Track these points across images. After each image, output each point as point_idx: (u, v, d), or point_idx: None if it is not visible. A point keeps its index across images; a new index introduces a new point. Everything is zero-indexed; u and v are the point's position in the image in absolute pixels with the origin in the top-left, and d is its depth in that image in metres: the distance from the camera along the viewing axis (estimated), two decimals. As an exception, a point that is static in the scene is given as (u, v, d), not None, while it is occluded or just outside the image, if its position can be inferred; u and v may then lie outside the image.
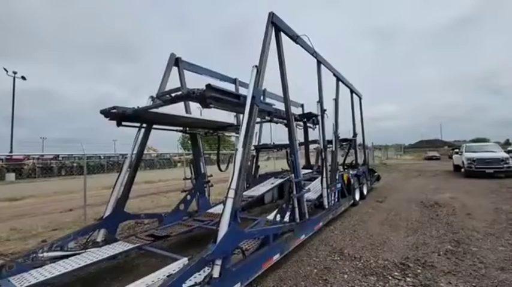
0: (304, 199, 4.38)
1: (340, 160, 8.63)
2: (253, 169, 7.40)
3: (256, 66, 3.38)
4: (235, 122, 6.47)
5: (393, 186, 11.56)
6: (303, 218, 4.26)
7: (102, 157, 32.67)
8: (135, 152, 4.35)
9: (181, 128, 5.17)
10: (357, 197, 7.66)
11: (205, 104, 2.90)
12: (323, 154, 5.35)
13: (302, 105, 9.39)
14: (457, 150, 17.21)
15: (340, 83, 6.92)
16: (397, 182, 12.86)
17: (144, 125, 4.49)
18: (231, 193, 2.74)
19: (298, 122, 5.27)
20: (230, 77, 6.72)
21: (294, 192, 4.06)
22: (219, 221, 2.66)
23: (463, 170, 14.22)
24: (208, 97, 2.83)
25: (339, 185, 6.22)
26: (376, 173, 10.89)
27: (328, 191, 5.45)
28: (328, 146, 6.31)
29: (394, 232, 5.14)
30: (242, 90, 5.89)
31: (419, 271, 3.45)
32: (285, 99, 4.10)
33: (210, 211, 5.46)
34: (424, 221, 5.82)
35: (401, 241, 4.62)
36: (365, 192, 8.58)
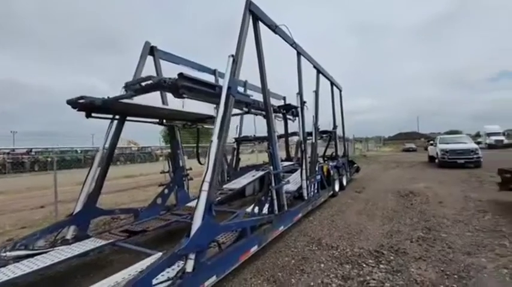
0: (283, 190, 4.39)
1: (320, 151, 8.75)
2: (234, 162, 7.34)
3: (232, 55, 3.28)
4: (215, 114, 6.35)
5: (372, 177, 11.92)
6: (282, 210, 4.28)
7: (80, 151, 31.36)
8: (107, 145, 4.14)
9: (157, 120, 4.99)
10: (337, 188, 7.81)
11: (177, 94, 2.77)
12: (302, 145, 5.37)
13: (284, 98, 9.37)
14: (431, 142, 17.97)
15: (321, 75, 6.93)
16: (375, 173, 13.27)
17: (117, 116, 4.28)
18: (205, 186, 2.66)
19: (278, 114, 5.23)
20: (209, 68, 6.55)
21: (273, 184, 4.05)
22: (192, 214, 2.58)
23: (437, 160, 14.88)
24: (181, 87, 2.71)
25: (318, 177, 6.30)
26: (355, 165, 11.16)
27: (308, 182, 5.49)
28: (308, 138, 6.35)
29: (371, 221, 5.29)
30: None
31: (392, 257, 3.56)
32: (263, 90, 4.03)
33: (189, 204, 5.35)
34: (399, 210, 6.04)
35: (377, 229, 4.76)
36: (345, 183, 8.77)
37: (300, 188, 5.44)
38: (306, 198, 5.36)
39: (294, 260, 3.60)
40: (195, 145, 10.44)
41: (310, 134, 6.29)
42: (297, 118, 5.50)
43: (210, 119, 5.46)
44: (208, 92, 3.09)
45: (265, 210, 4.14)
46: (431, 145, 17.38)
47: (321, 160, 8.41)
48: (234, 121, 8.08)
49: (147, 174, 16.00)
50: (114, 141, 4.24)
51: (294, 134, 6.47)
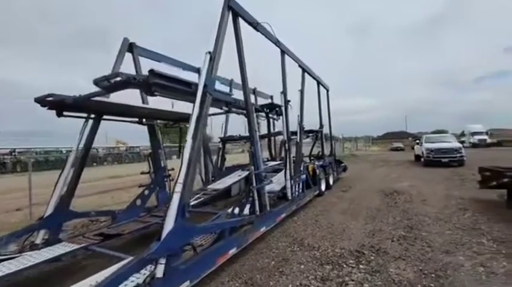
0: (265, 190, 4.32)
1: (306, 151, 8.75)
2: (219, 161, 7.23)
3: (209, 52, 3.18)
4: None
5: (359, 176, 12.01)
6: (264, 210, 4.21)
7: (65, 151, 30.49)
8: (81, 146, 3.98)
9: (136, 120, 4.83)
10: (323, 187, 7.81)
11: (150, 92, 2.66)
12: (286, 145, 5.32)
13: (271, 97, 9.32)
14: (417, 141, 18.30)
15: (306, 74, 6.91)
16: (363, 172, 13.40)
17: (93, 115, 4.11)
18: (178, 188, 2.56)
19: (261, 113, 5.16)
20: (193, 66, 6.42)
21: (254, 184, 3.97)
22: (164, 217, 2.48)
23: (422, 159, 15.15)
24: (153, 84, 2.59)
25: (303, 176, 6.27)
26: (343, 164, 11.22)
27: (292, 182, 5.45)
28: (293, 137, 6.32)
29: (354, 220, 5.29)
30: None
31: (372, 257, 3.55)
32: (244, 88, 3.95)
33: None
34: (383, 208, 6.07)
35: (360, 228, 4.76)
36: (331, 182, 8.79)
37: (284, 188, 5.38)
38: (289, 198, 5.32)
39: (274, 262, 3.54)
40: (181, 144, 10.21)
41: (295, 133, 6.26)
42: (281, 117, 5.44)
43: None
44: (183, 90, 2.98)
45: (246, 211, 4.07)
46: (417, 144, 17.69)
47: (307, 159, 8.42)
48: (220, 121, 7.99)
49: (134, 174, 15.65)
50: (90, 141, 4.07)
51: (279, 133, 6.41)
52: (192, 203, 5.31)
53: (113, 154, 32.72)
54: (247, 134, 7.68)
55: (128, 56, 4.80)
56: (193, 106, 2.89)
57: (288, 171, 5.31)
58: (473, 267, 3.17)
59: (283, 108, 5.31)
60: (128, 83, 2.55)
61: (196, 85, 3.05)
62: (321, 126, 8.40)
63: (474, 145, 31.58)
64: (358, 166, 16.91)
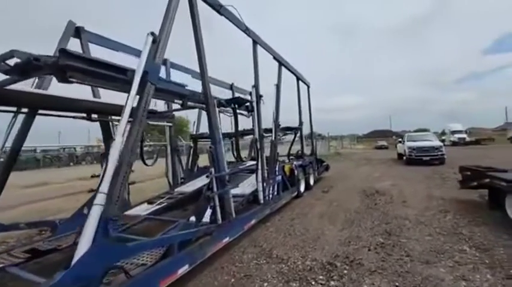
0: (230, 195, 3.84)
1: (285, 150, 8.35)
2: (190, 162, 6.67)
3: (152, 33, 2.65)
4: (165, 108, 5.67)
5: (342, 175, 11.76)
6: (228, 218, 3.73)
7: (39, 151, 28.84)
8: (8, 145, 3.35)
9: (84, 115, 4.22)
10: (302, 188, 7.43)
11: (63, 78, 2.11)
12: (258, 144, 4.85)
13: (250, 94, 8.82)
14: (400, 139, 18.35)
15: (284, 68, 6.47)
16: (346, 171, 13.17)
17: (24, 110, 3.49)
18: (99, 199, 2.04)
19: (227, 109, 4.67)
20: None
21: (215, 189, 3.48)
22: (76, 237, 1.95)
23: (405, 158, 15.14)
24: (67, 67, 2.04)
25: (279, 178, 5.84)
26: (325, 163, 10.91)
27: (265, 184, 5.00)
28: (269, 135, 5.87)
29: (331, 224, 4.91)
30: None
31: (345, 271, 3.14)
32: (203, 79, 3.43)
33: (127, 212, 4.66)
34: (362, 211, 5.73)
35: (336, 235, 4.36)
36: (312, 183, 8.43)
37: (256, 191, 4.92)
38: (261, 202, 4.87)
39: (234, 279, 3.07)
40: (164, 143, 9.47)
41: (270, 131, 5.81)
42: (252, 114, 4.96)
43: (154, 113, 4.80)
44: (115, 77, 2.44)
45: (208, 218, 3.58)
46: (400, 142, 17.73)
47: (286, 159, 8.01)
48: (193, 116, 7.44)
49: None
50: (20, 140, 3.45)
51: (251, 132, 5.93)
52: (152, 210, 4.78)
53: (93, 153, 31.26)
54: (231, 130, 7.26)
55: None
56: (127, 97, 2.36)
57: (259, 172, 4.85)
58: (455, 281, 2.82)
59: (254, 104, 4.83)
60: (28, 65, 1.98)
61: (134, 72, 2.51)
62: (301, 123, 7.99)
63: (454, 143, 32.36)
64: (342, 165, 16.75)
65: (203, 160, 7.66)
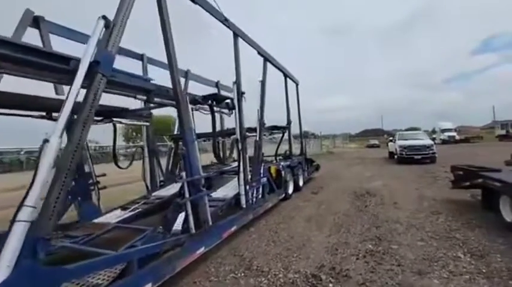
0: (205, 201, 3.49)
1: (271, 150, 8.03)
2: (171, 164, 6.27)
3: (104, 17, 2.28)
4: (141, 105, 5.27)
5: (333, 174, 11.52)
6: (203, 226, 3.38)
7: (23, 152, 27.80)
8: None
9: (43, 114, 3.80)
10: (290, 190, 7.12)
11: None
12: (240, 144, 4.51)
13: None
14: (391, 138, 18.27)
15: (269, 64, 6.14)
16: (337, 171, 12.95)
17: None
18: (24, 214, 1.66)
19: (203, 106, 4.32)
20: (135, 52, 5.45)
21: (186, 195, 3.13)
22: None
23: (396, 156, 15.03)
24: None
25: (264, 180, 5.51)
26: (315, 163, 10.64)
27: (247, 188, 4.66)
28: (253, 135, 5.54)
29: (319, 230, 4.60)
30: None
31: (330, 285, 2.83)
32: (171, 71, 3.06)
33: (97, 220, 4.25)
34: (352, 213, 5.45)
35: (323, 241, 4.06)
36: (301, 184, 8.13)
37: (238, 194, 4.58)
38: (244, 206, 4.52)
39: (205, 298, 2.73)
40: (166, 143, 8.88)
41: (254, 130, 5.48)
42: (234, 112, 4.62)
43: (126, 111, 4.40)
44: (54, 67, 2.06)
45: (179, 226, 3.23)
46: (392, 141, 17.64)
47: (277, 159, 7.69)
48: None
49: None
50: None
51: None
52: (125, 216, 4.39)
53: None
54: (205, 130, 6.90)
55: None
56: (69, 90, 1.99)
57: (242, 175, 4.51)
58: (451, 295, 2.54)
59: (235, 101, 4.49)
60: None
61: (79, 61, 2.14)
62: (289, 122, 7.67)
63: (444, 142, 32.64)
64: (334, 164, 16.57)
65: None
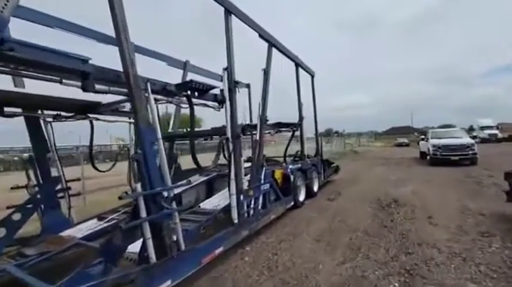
0: (175, 219, 2.70)
1: (279, 151, 7.09)
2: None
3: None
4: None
5: (354, 177, 10.32)
6: (171, 252, 2.60)
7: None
8: None
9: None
10: (302, 196, 6.18)
11: None
12: (231, 145, 3.67)
13: (248, 86, 7.64)
14: (423, 136, 16.47)
15: (275, 50, 5.22)
16: (359, 172, 11.69)
17: None
18: None
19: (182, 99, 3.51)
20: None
21: (143, 215, 2.35)
22: None
23: (428, 157, 13.41)
24: None
25: (266, 186, 4.64)
26: (334, 164, 9.54)
27: (241, 197, 3.82)
28: (253, 133, 4.68)
29: (329, 254, 3.66)
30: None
31: None
32: (121, 47, 2.27)
33: (65, 233, 3.65)
34: (373, 231, 4.41)
35: (332, 273, 3.12)
36: (315, 189, 7.14)
37: (229, 206, 3.76)
38: (235, 221, 3.69)
39: None
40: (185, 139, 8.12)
41: (254, 127, 4.62)
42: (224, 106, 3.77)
43: (103, 107, 3.74)
44: None
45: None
46: (423, 139, 15.86)
47: (289, 160, 6.76)
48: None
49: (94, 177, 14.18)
50: None
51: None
52: (96, 229, 3.75)
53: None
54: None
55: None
56: None
57: (233, 182, 3.67)
58: None
59: (226, 92, 3.64)
60: None
61: None
62: (301, 119, 6.67)
63: (484, 140, 29.38)
64: (357, 164, 15.25)
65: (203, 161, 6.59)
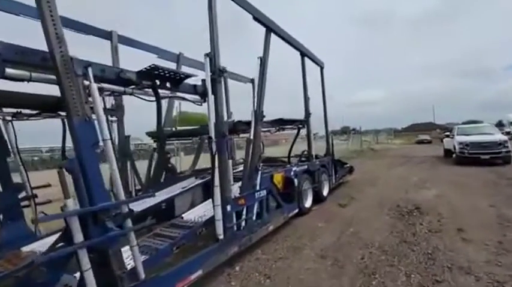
0: (132, 242, 2.14)
1: (281, 151, 6.39)
2: (153, 168, 5.02)
3: None
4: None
5: (370, 178, 9.44)
6: (120, 284, 2.03)
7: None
8: None
9: None
10: (308, 202, 5.48)
11: None
12: (213, 144, 3.05)
13: (252, 80, 6.98)
14: (448, 133, 15.13)
15: (274, 35, 4.55)
16: (377, 172, 10.75)
17: None
18: None
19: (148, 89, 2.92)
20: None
21: (78, 239, 1.79)
22: None
23: (454, 155, 12.21)
24: None
25: (262, 193, 3.99)
26: (347, 165, 8.72)
27: (229, 209, 3.21)
28: (248, 131, 4.05)
29: (335, 278, 2.97)
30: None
31: None
32: (44, 23, 1.71)
33: (27, 247, 3.19)
34: (391, 248, 3.66)
35: (336, 308, 2.45)
36: (325, 192, 6.41)
37: (213, 218, 3.15)
38: (221, 237, 3.08)
39: None
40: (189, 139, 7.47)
41: (248, 124, 3.99)
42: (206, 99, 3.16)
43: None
44: None
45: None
46: (448, 136, 14.55)
47: (291, 161, 6.08)
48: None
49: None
50: None
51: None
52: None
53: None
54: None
55: None
56: None
57: (217, 190, 3.05)
58: None
59: (208, 83, 3.03)
60: None
61: None
62: (307, 115, 5.93)
63: (514, 136, 27.10)
64: (374, 163, 14.26)
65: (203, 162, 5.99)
